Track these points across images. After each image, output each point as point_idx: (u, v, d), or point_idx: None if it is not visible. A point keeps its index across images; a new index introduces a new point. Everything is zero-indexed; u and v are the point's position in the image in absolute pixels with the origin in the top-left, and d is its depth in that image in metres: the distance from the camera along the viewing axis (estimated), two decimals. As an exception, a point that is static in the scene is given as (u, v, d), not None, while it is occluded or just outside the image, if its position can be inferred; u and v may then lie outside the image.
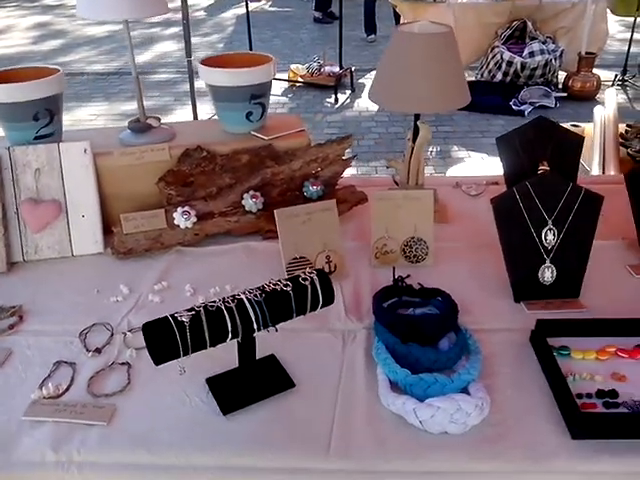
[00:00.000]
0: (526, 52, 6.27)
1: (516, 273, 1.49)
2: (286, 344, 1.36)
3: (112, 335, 1.39)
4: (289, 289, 1.18)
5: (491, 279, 1.57)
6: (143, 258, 1.68)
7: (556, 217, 1.46)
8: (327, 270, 1.58)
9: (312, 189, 1.80)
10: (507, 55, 6.27)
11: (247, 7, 6.98)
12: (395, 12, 7.28)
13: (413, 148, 1.83)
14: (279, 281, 1.19)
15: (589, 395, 1.18)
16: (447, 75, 1.68)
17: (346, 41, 9.06)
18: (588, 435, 1.11)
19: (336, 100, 6.33)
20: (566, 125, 3.29)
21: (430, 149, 5.39)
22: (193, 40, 9.19)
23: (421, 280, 1.55)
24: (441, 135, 5.63)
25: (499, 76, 6.36)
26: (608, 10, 6.72)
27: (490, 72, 6.46)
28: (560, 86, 6.42)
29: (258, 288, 1.17)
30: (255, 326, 1.14)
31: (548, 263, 1.48)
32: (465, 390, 1.19)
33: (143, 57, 8.16)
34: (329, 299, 1.23)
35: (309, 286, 1.20)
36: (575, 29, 6.43)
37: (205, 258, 1.69)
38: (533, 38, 6.43)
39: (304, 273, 1.22)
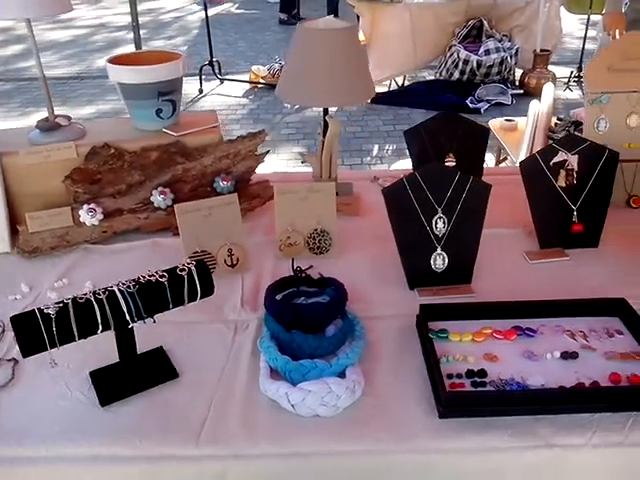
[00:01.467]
0: (482, 50, 6.36)
1: (409, 261, 1.52)
2: (178, 336, 1.39)
3: (3, 332, 1.39)
4: (164, 280, 1.19)
5: (390, 268, 1.60)
6: (49, 257, 1.69)
7: (445, 206, 1.49)
8: (229, 263, 1.60)
9: (223, 184, 1.81)
10: (464, 54, 6.35)
11: (206, 10, 6.97)
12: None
13: (324, 142, 1.86)
14: (156, 272, 1.21)
15: (459, 375, 1.21)
16: (350, 69, 1.71)
17: (310, 42, 9.15)
18: (453, 414, 1.14)
19: (296, 101, 6.35)
20: (500, 120, 3.36)
21: (386, 147, 5.46)
22: (157, 43, 9.27)
23: (324, 271, 1.58)
24: (397, 133, 5.67)
25: (456, 75, 6.44)
26: (562, 8, 6.86)
27: (448, 71, 6.53)
28: (517, 83, 6.51)
29: (133, 280, 1.19)
30: (128, 317, 1.16)
31: (439, 251, 1.51)
32: (343, 374, 1.22)
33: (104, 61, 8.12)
34: (208, 290, 1.25)
35: (186, 277, 1.21)
36: (530, 27, 6.52)
37: (111, 255, 1.70)
38: (490, 36, 6.53)
39: (182, 264, 1.23)
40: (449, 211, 1.50)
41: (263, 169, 1.98)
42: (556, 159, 1.64)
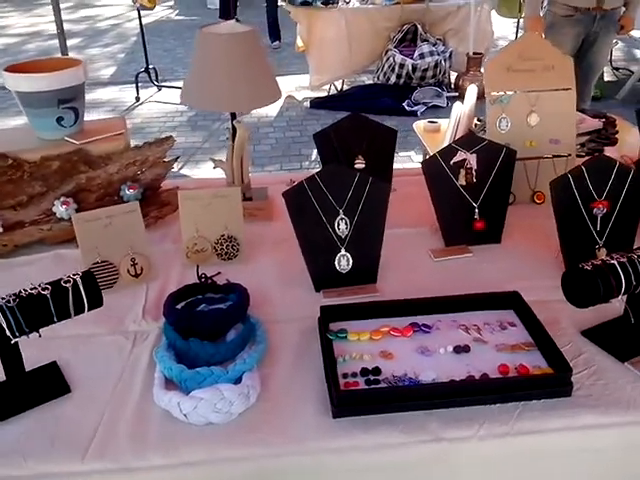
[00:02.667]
0: (416, 54, 6.47)
1: (313, 263, 1.53)
2: (75, 349, 1.35)
3: None
4: (47, 293, 1.16)
5: (299, 271, 1.59)
6: (-54, 273, 1.62)
7: (347, 207, 1.50)
8: (133, 273, 1.57)
9: (129, 192, 1.78)
10: (399, 58, 6.45)
11: (140, 17, 6.86)
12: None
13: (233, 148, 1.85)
14: (39, 285, 1.17)
15: (354, 374, 1.22)
16: (252, 73, 1.71)
17: (251, 48, 9.13)
18: (346, 413, 1.14)
19: (235, 107, 6.32)
20: (424, 122, 3.42)
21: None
22: (93, 51, 9.07)
23: (233, 276, 1.56)
24: (337, 137, 5.71)
25: (393, 78, 6.53)
26: (494, 12, 7.06)
27: (385, 75, 6.62)
28: (452, 86, 6.66)
29: (13, 294, 1.15)
30: (8, 333, 1.12)
31: (343, 252, 1.52)
32: (240, 380, 1.21)
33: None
34: (96, 302, 1.22)
35: (71, 289, 1.18)
36: (463, 31, 6.68)
37: (11, 269, 1.64)
38: (425, 40, 6.65)
39: (67, 276, 1.20)
40: (351, 212, 1.51)
41: (201, 175, 1.95)
42: (456, 158, 1.67)
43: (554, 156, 1.91)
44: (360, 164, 1.87)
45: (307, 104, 6.50)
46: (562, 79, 1.89)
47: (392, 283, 1.57)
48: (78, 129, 1.85)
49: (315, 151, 5.51)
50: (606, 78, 7.07)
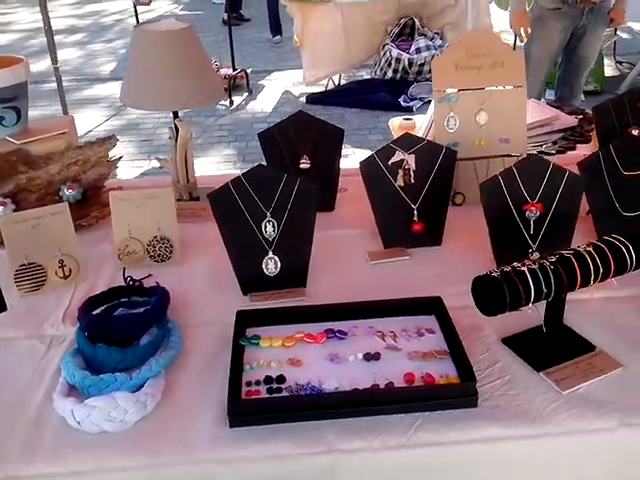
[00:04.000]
0: (413, 49, 6.40)
1: (240, 266, 1.51)
2: (-11, 354, 1.34)
3: None
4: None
5: (232, 274, 1.57)
6: None
7: (274, 209, 1.48)
8: (61, 275, 1.56)
9: (68, 193, 1.77)
10: (395, 52, 6.38)
11: (136, 12, 6.87)
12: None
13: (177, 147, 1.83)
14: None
15: (258, 382, 1.20)
16: (190, 71, 1.70)
17: (252, 43, 9.10)
18: (242, 423, 1.12)
19: (231, 102, 6.31)
20: (399, 119, 3.37)
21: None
22: (95, 47, 9.11)
23: (164, 278, 1.55)
24: (330, 133, 5.67)
25: (390, 73, 6.47)
26: (493, 4, 6.96)
27: (382, 69, 6.56)
28: (450, 81, 6.58)
29: None
30: None
31: (271, 255, 1.50)
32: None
33: (39, 66, 7.94)
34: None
35: (-30, 293, 1.17)
36: (461, 24, 6.58)
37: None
38: (422, 35, 6.58)
39: (-32, 280, 1.19)
40: (278, 214, 1.48)
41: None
42: (394, 159, 1.64)
43: (505, 155, 1.87)
44: (305, 164, 1.84)
45: (303, 100, 6.47)
46: (512, 76, 1.84)
47: (324, 286, 1.54)
48: (21, 129, 1.85)
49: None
50: (609, 72, 6.96)
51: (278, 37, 8.75)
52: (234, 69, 6.60)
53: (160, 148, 5.42)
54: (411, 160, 1.64)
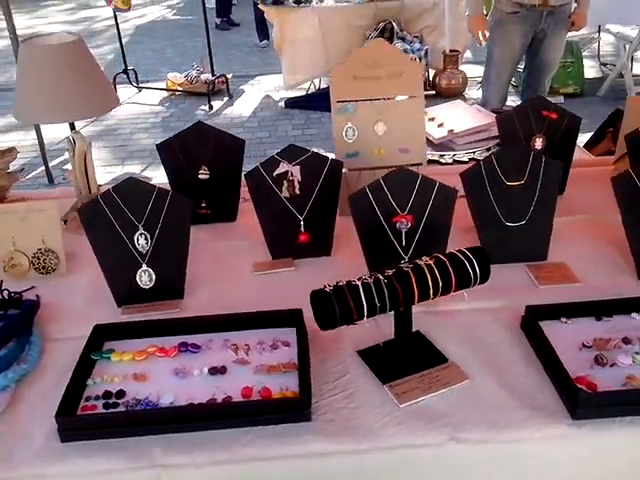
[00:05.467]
0: (390, 52, 6.39)
1: (114, 280, 1.51)
2: None
3: None
4: None
5: (113, 285, 1.58)
6: None
7: (146, 222, 1.49)
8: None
9: (-33, 205, 1.79)
10: (373, 56, 6.37)
11: (116, 18, 6.93)
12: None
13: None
14: None
15: (97, 397, 1.20)
16: (79, 83, 1.71)
17: (239, 47, 9.14)
18: (73, 438, 1.13)
19: (210, 107, 6.34)
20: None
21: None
22: (84, 53, 9.15)
23: (48, 291, 1.57)
24: (305, 137, 5.69)
25: (368, 77, 6.46)
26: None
27: (361, 73, 6.55)
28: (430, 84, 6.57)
29: None
30: None
31: (145, 267, 1.51)
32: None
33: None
34: None
35: None
36: (440, 28, 6.57)
37: None
38: (401, 38, 6.57)
39: None
40: (151, 227, 1.49)
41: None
42: (278, 170, 1.64)
43: (405, 165, 1.86)
44: (204, 174, 1.85)
45: (282, 104, 6.49)
46: (410, 86, 1.83)
47: (203, 298, 1.55)
48: None
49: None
50: (593, 74, 6.92)
51: (265, 42, 8.79)
52: (213, 74, 6.63)
53: (135, 154, 5.46)
54: (296, 171, 1.64)
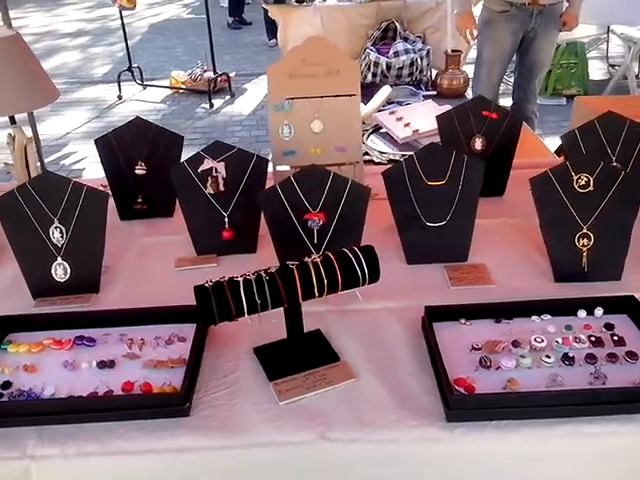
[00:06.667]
0: (391, 52, 6.35)
1: (29, 272, 1.53)
2: None
3: None
4: None
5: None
6: None
7: (61, 215, 1.50)
8: None
9: None
10: (373, 56, 6.34)
11: (121, 16, 7.02)
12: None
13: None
14: None
15: (-21, 388, 1.22)
16: (17, 77, 1.73)
17: (248, 46, 9.18)
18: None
19: (211, 105, 6.38)
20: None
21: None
22: (96, 50, 9.30)
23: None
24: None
25: (369, 77, 6.42)
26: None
27: (362, 73, 6.52)
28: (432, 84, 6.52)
29: None
30: None
31: (60, 260, 1.52)
32: None
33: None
34: None
35: None
36: (442, 28, 6.51)
37: None
38: (404, 38, 6.53)
39: None
40: (66, 221, 1.51)
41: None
42: (203, 166, 1.64)
43: (341, 164, 1.85)
44: (141, 170, 1.86)
45: (282, 103, 6.49)
46: (346, 84, 1.82)
47: (120, 293, 1.56)
48: None
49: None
50: (600, 76, 6.80)
51: (274, 40, 8.78)
52: (215, 72, 6.68)
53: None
54: (220, 168, 1.64)
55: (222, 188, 1.65)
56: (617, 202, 1.43)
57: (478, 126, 1.87)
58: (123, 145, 1.86)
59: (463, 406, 1.10)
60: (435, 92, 6.39)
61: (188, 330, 1.36)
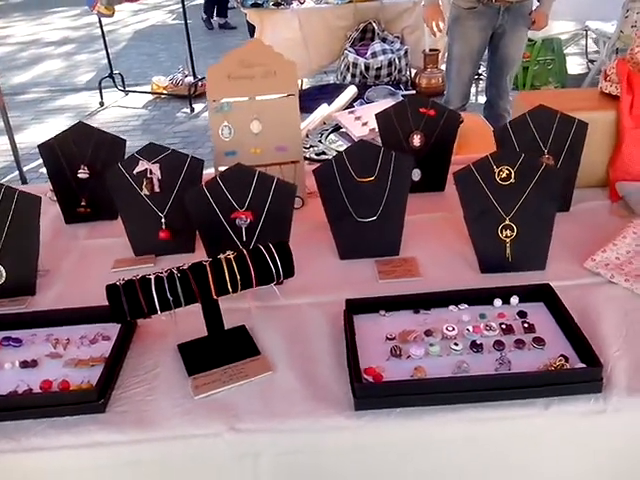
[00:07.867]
0: (369, 53, 6.39)
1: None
2: None
3: None
4: None
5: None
6: None
7: (-5, 220, 1.53)
8: None
9: None
10: (352, 57, 6.38)
11: (100, 23, 7.06)
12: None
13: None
14: None
15: None
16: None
17: (232, 50, 9.21)
18: None
19: (192, 110, 6.41)
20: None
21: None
22: (80, 57, 9.33)
23: None
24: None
25: (349, 78, 6.46)
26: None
27: (342, 74, 6.57)
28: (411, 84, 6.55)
29: None
30: None
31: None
32: None
33: (21, 77, 8.20)
34: None
35: None
36: (420, 28, 6.53)
37: None
38: (383, 39, 6.57)
39: None
40: (0, 224, 1.53)
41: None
42: (138, 168, 1.67)
43: (281, 163, 1.88)
44: (84, 174, 1.88)
45: (263, 106, 6.52)
46: (284, 85, 1.85)
47: (53, 295, 1.58)
48: None
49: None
50: (579, 71, 6.84)
51: (257, 44, 8.82)
52: (195, 77, 6.71)
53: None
54: (155, 169, 1.66)
55: (157, 189, 1.67)
56: (538, 193, 1.46)
57: (416, 123, 1.90)
58: (66, 150, 1.88)
59: (369, 394, 1.12)
60: (414, 91, 6.45)
61: (114, 329, 1.38)
